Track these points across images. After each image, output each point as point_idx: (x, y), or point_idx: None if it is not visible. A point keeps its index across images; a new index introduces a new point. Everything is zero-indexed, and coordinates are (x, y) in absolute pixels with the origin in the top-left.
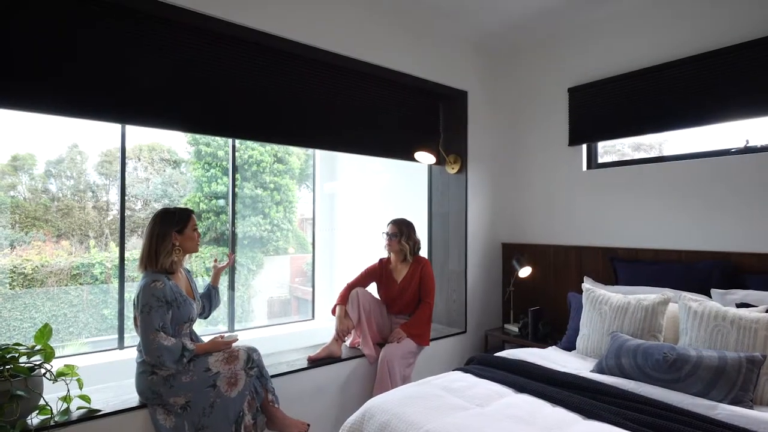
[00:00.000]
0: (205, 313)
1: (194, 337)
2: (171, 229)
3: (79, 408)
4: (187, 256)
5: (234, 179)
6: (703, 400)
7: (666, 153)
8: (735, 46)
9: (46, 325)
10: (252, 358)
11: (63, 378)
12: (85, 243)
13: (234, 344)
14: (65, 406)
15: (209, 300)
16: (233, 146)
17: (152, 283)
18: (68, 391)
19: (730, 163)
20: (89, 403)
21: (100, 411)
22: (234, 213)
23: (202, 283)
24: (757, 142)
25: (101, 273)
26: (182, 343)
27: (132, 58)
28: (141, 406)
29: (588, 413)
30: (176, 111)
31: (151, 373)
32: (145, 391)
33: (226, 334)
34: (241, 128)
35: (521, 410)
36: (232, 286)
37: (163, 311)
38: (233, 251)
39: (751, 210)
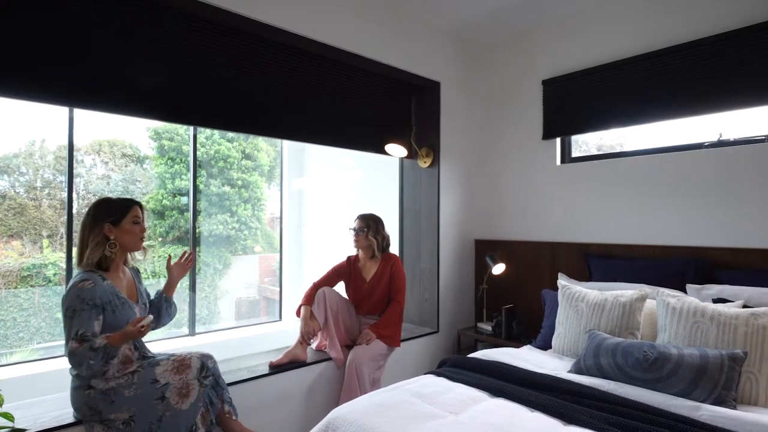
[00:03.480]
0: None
1: (139, 345)
2: (103, 220)
3: (1, 428)
4: (134, 255)
5: (196, 174)
6: (686, 400)
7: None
8: (712, 37)
9: None
10: (206, 366)
11: None
12: (38, 243)
13: (187, 351)
14: None
15: (158, 311)
16: (194, 137)
17: (80, 282)
18: None
19: (703, 157)
20: (12, 421)
21: (26, 430)
22: (196, 210)
23: (158, 286)
24: (730, 135)
25: (55, 274)
26: (89, 344)
27: (78, 35)
28: (76, 423)
29: (569, 418)
30: (129, 94)
31: (88, 387)
32: (81, 408)
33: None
34: (201, 116)
35: (498, 417)
36: (193, 288)
37: (89, 316)
38: (194, 250)
39: (724, 204)
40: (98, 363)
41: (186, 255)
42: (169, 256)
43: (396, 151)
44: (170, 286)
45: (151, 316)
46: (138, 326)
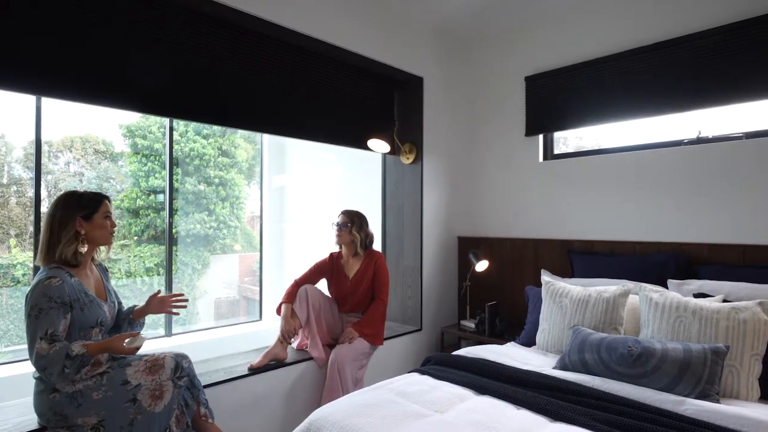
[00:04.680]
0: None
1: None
2: (75, 214)
3: None
4: (100, 249)
5: (172, 172)
6: (670, 395)
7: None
8: (698, 33)
9: None
10: (181, 366)
11: None
12: (5, 242)
13: (160, 350)
14: None
15: (118, 326)
16: (170, 134)
17: (47, 279)
18: None
19: (682, 155)
20: None
21: None
22: (172, 209)
23: (132, 286)
24: (708, 133)
25: (24, 275)
26: (66, 350)
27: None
28: (40, 430)
29: (555, 415)
30: (104, 84)
31: (53, 390)
32: (45, 413)
33: (128, 340)
34: (180, 109)
35: (484, 415)
36: (169, 287)
37: (57, 314)
38: (171, 251)
39: (703, 201)
40: (72, 372)
41: (176, 297)
42: (159, 290)
43: (379, 146)
44: (142, 312)
45: (143, 338)
46: (131, 347)
